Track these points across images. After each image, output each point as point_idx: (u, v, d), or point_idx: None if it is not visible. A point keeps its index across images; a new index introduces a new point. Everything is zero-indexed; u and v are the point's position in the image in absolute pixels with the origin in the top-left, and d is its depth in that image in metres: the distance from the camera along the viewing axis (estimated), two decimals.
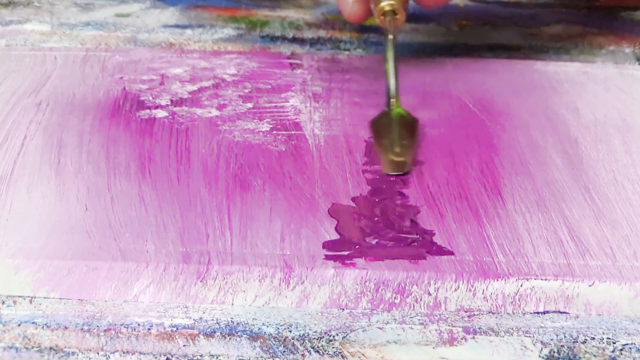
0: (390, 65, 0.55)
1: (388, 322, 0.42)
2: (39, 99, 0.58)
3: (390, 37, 0.56)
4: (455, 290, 0.43)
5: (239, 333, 0.41)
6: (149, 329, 0.41)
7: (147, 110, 0.57)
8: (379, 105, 0.56)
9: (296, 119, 0.57)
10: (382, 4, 0.56)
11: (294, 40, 0.71)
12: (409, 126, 0.53)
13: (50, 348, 0.40)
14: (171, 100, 0.58)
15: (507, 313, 0.43)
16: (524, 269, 0.43)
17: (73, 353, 0.40)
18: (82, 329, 0.41)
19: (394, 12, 0.56)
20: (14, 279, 0.42)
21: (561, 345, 0.41)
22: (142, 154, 0.52)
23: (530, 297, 0.43)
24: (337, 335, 0.41)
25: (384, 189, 0.50)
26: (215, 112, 0.57)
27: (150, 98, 0.59)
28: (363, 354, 0.40)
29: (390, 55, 0.55)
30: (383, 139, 0.52)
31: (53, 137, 0.53)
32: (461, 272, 0.43)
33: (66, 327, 0.41)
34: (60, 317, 0.41)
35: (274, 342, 0.40)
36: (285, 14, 0.77)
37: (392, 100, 0.54)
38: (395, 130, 0.52)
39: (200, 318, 0.41)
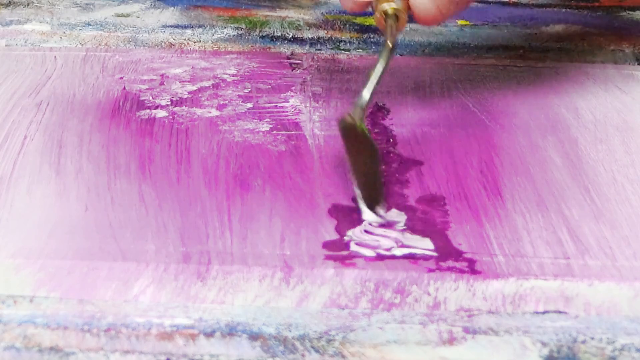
0: (377, 73, 0.48)
1: (388, 322, 0.42)
2: (39, 99, 0.58)
3: (390, 44, 0.49)
4: (455, 290, 0.43)
5: (239, 333, 0.41)
6: (149, 329, 0.41)
7: (147, 110, 0.57)
8: (378, 105, 0.56)
9: (296, 119, 0.57)
10: (384, 5, 0.51)
11: (294, 40, 0.71)
12: (371, 155, 0.47)
13: (50, 348, 0.40)
14: (171, 100, 0.59)
15: (507, 313, 0.43)
16: (523, 269, 0.43)
17: (73, 353, 0.40)
18: (82, 329, 0.41)
19: (396, 16, 0.50)
20: (15, 279, 0.42)
21: (560, 345, 0.41)
22: (142, 154, 0.52)
23: (529, 297, 0.43)
24: (337, 335, 0.41)
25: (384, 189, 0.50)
26: (215, 112, 0.57)
27: (150, 98, 0.59)
28: (363, 354, 0.40)
29: (382, 63, 0.49)
30: (366, 183, 0.48)
31: (53, 137, 0.53)
32: (461, 272, 0.43)
33: (66, 327, 0.41)
34: (60, 317, 0.41)
35: (274, 342, 0.40)
36: (285, 14, 0.77)
37: (360, 110, 0.47)
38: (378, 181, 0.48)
39: (200, 318, 0.41)
